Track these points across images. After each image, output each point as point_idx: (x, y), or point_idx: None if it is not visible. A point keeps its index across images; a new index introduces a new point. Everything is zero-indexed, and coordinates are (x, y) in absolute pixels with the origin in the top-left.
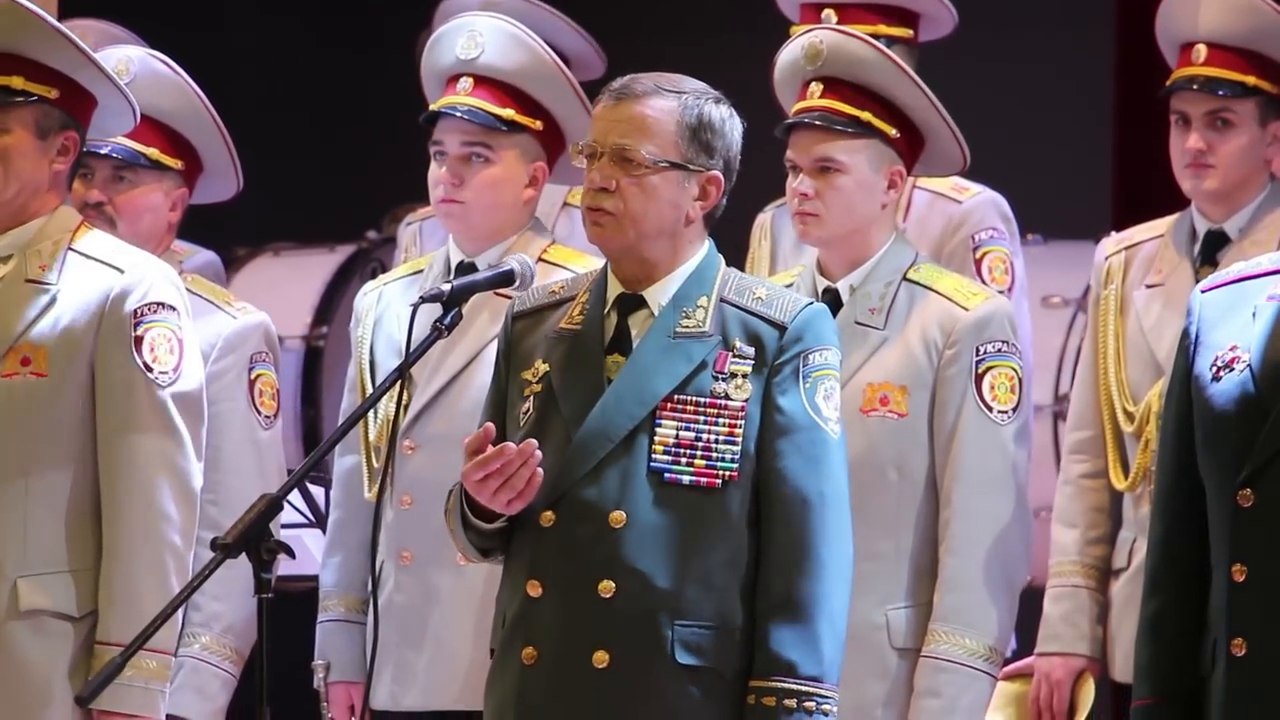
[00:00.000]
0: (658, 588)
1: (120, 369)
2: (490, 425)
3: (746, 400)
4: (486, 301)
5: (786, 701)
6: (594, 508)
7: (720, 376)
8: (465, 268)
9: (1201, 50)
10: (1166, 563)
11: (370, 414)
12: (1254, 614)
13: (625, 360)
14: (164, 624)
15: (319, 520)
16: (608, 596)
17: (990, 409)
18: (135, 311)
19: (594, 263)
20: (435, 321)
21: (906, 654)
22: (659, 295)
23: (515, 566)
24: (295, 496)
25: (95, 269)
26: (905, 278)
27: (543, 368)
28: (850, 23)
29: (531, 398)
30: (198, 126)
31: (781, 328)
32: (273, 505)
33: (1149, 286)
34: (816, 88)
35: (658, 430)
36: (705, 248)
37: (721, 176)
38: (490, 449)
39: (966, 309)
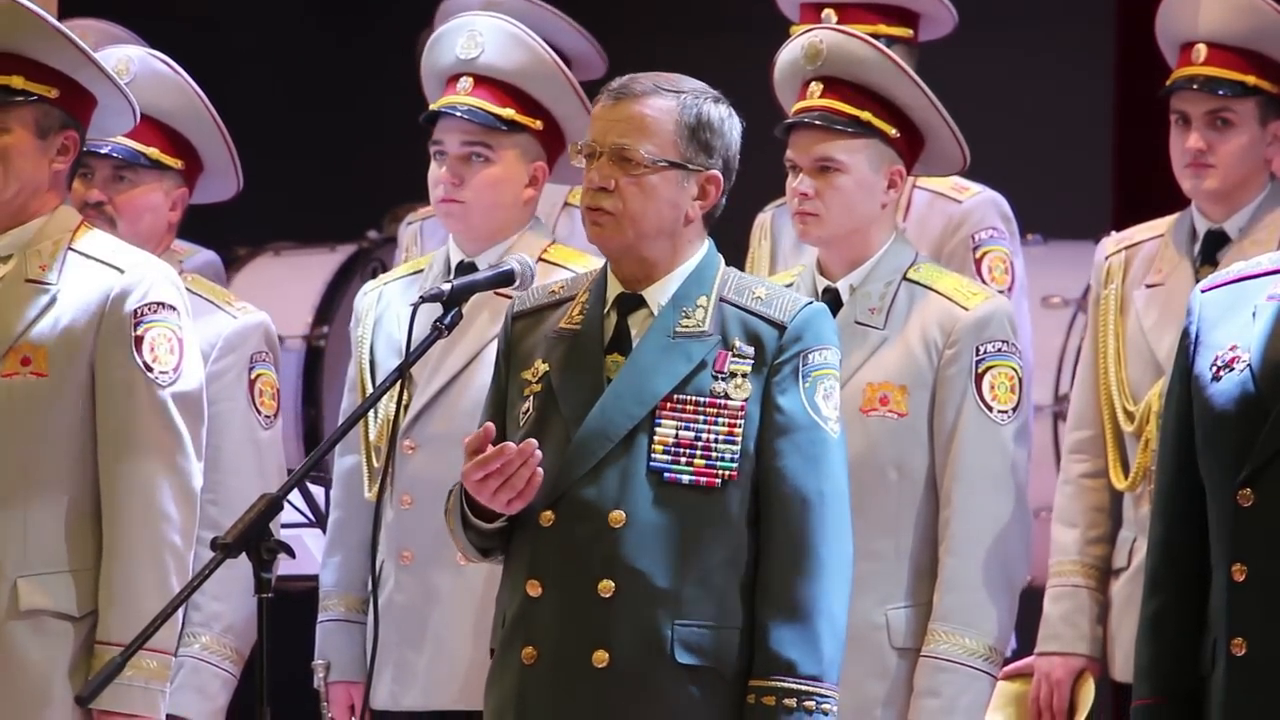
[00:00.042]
0: (657, 587)
1: (120, 369)
2: (490, 425)
3: (746, 400)
4: (486, 301)
5: (786, 701)
6: (594, 507)
7: (720, 376)
8: (465, 267)
9: (1201, 50)
10: (1167, 562)
11: (370, 414)
12: (1254, 614)
13: (625, 360)
14: (164, 624)
15: (319, 520)
16: (607, 596)
17: (990, 409)
18: (135, 311)
19: (594, 263)
20: (435, 321)
21: (906, 654)
22: (658, 295)
23: (515, 566)
24: (295, 496)
25: (95, 269)
26: (905, 277)
27: (542, 367)
28: (850, 22)
29: (531, 397)
30: (198, 126)
31: (781, 327)
32: (273, 505)
33: (1149, 286)
34: (816, 87)
35: (657, 430)
36: (705, 247)
37: (721, 176)
38: (490, 449)
39: (966, 309)
